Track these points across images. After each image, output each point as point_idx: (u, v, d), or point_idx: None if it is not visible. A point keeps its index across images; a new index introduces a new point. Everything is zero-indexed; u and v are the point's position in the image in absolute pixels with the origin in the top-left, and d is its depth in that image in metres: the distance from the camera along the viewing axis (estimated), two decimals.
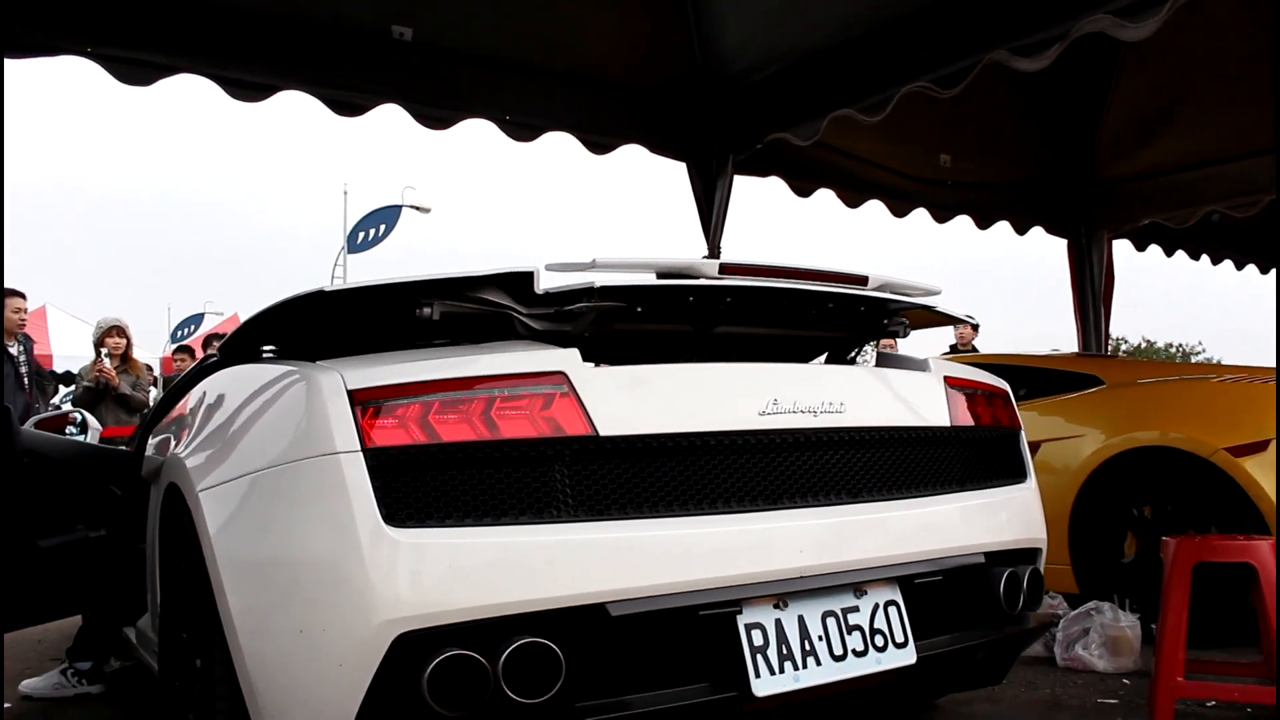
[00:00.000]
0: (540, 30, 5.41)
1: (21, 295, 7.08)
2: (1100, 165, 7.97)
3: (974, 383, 2.84)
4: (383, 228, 24.54)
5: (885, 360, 2.88)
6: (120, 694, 3.93)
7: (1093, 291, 8.37)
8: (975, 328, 10.04)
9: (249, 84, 4.77)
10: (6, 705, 3.84)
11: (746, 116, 5.81)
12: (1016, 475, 2.87)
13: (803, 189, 6.55)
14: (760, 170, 6.26)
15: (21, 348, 6.85)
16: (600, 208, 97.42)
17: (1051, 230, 8.28)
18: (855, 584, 2.31)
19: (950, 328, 10.20)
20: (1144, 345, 50.64)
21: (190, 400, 2.87)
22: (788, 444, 2.30)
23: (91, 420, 4.57)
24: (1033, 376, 5.67)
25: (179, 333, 32.61)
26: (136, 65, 4.52)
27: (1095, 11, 4.21)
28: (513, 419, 2.02)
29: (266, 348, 2.64)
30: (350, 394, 1.96)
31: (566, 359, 2.12)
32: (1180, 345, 50.70)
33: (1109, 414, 4.81)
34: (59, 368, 14.52)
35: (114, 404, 7.78)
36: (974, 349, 10.18)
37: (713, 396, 2.24)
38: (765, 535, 2.18)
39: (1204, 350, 50.24)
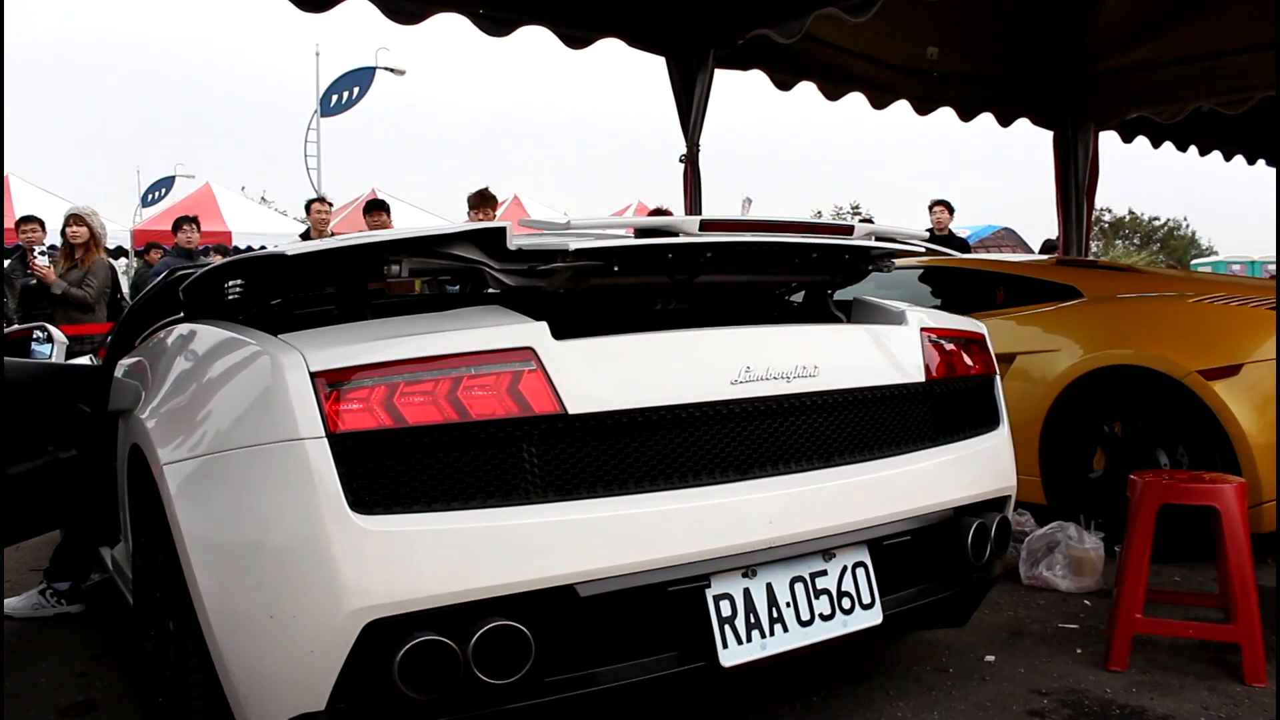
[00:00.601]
0: None
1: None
2: (1091, 58, 7.79)
3: (951, 331, 2.82)
4: (356, 90, 23.94)
5: (863, 311, 2.84)
6: (98, 614, 3.97)
7: (1076, 184, 8.29)
8: (951, 210, 10.02)
9: None
10: None
11: (728, 10, 5.60)
12: (990, 423, 2.88)
13: (784, 82, 6.40)
14: (741, 64, 6.08)
15: None
16: (576, 102, 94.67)
17: (1037, 122, 8.15)
18: (824, 550, 2.33)
19: (925, 211, 10.15)
20: (1128, 217, 50.65)
21: (154, 350, 2.81)
22: (759, 412, 2.28)
23: (57, 333, 4.48)
24: (1011, 283, 5.65)
25: (149, 196, 32.07)
26: None
27: None
28: (480, 399, 1.98)
29: (232, 284, 2.57)
30: (313, 375, 1.91)
31: (535, 333, 2.07)
32: (1169, 220, 50.75)
33: (1085, 329, 4.79)
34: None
35: (62, 303, 7.52)
36: (950, 233, 10.15)
37: (683, 367, 2.20)
38: (735, 508, 2.18)
39: (1188, 225, 50.35)
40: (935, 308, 5.72)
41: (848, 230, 2.44)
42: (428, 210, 18.86)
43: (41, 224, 7.96)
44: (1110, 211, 48.35)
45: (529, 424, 2.01)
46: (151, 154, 78.01)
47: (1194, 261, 35.88)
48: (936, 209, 10.05)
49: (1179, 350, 4.31)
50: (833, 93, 6.69)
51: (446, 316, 2.16)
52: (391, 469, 1.91)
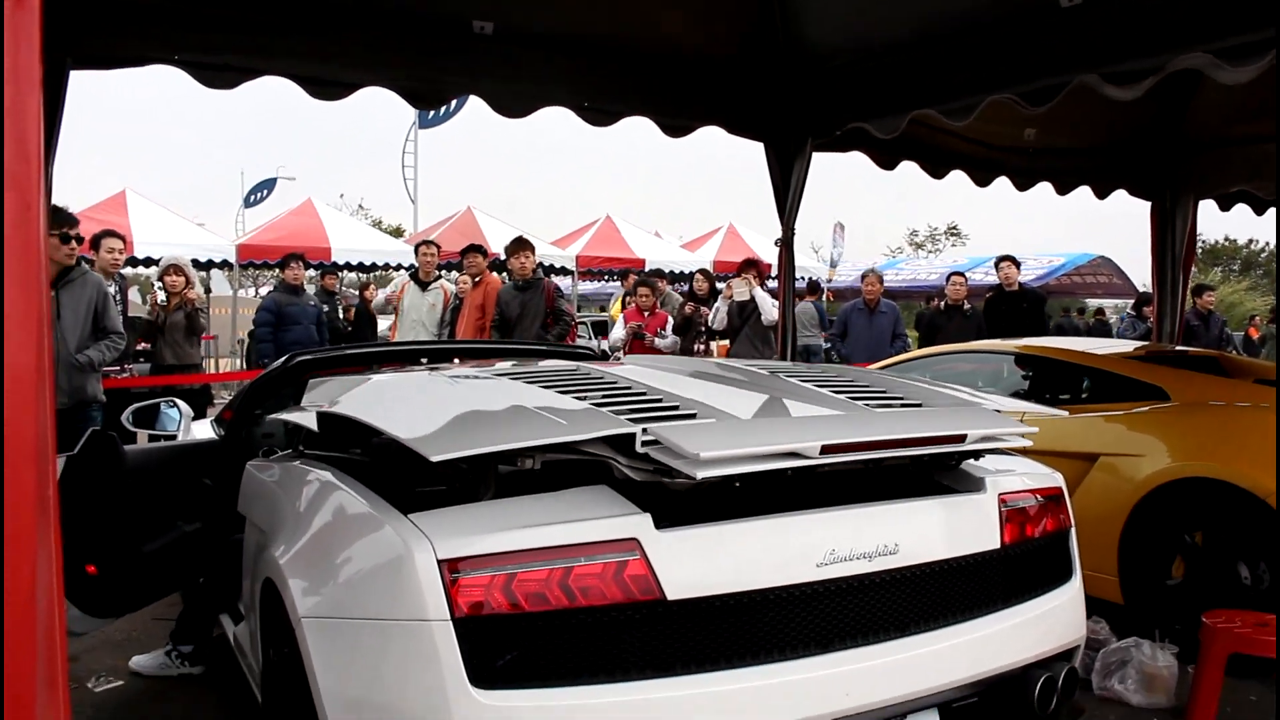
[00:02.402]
0: (619, 11, 5.37)
1: (119, 236, 7.39)
2: (1193, 132, 7.74)
3: (1029, 491, 2.94)
4: (454, 102, 24.43)
5: (946, 475, 2.98)
6: (218, 677, 4.27)
7: (1173, 256, 8.25)
8: (1018, 265, 10.09)
9: (329, 82, 4.87)
10: (118, 682, 4.23)
11: (828, 102, 5.77)
12: (1062, 577, 3.00)
13: (887, 162, 6.52)
14: (840, 147, 6.23)
15: (117, 287, 7.15)
16: (669, 176, 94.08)
17: (1135, 193, 8.12)
18: (896, 715, 2.50)
19: (994, 269, 10.17)
20: (1225, 243, 48.93)
21: (287, 482, 3.10)
22: (841, 591, 2.46)
23: (183, 406, 4.87)
24: (1099, 378, 5.70)
25: (251, 197, 33.12)
26: (220, 70, 4.67)
27: (1194, 49, 4.11)
28: (589, 586, 2.20)
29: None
30: (440, 563, 2.15)
31: (639, 525, 2.28)
32: (1266, 244, 48.96)
33: (1171, 437, 4.83)
34: (139, 254, 15.02)
35: (172, 338, 8.30)
36: (1020, 287, 10.20)
37: (773, 552, 2.39)
38: (816, 682, 2.36)
39: None
40: (1022, 394, 5.83)
41: (959, 439, 2.59)
42: (520, 228, 19.24)
43: (185, 275, 8.56)
44: (1205, 243, 46.80)
45: (632, 609, 2.22)
46: (255, 156, 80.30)
47: None
48: (1004, 265, 10.06)
49: (1263, 467, 4.35)
50: (936, 171, 6.80)
51: (559, 501, 2.38)
52: (508, 649, 2.15)
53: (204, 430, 5.02)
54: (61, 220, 5.89)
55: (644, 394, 2.76)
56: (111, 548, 3.78)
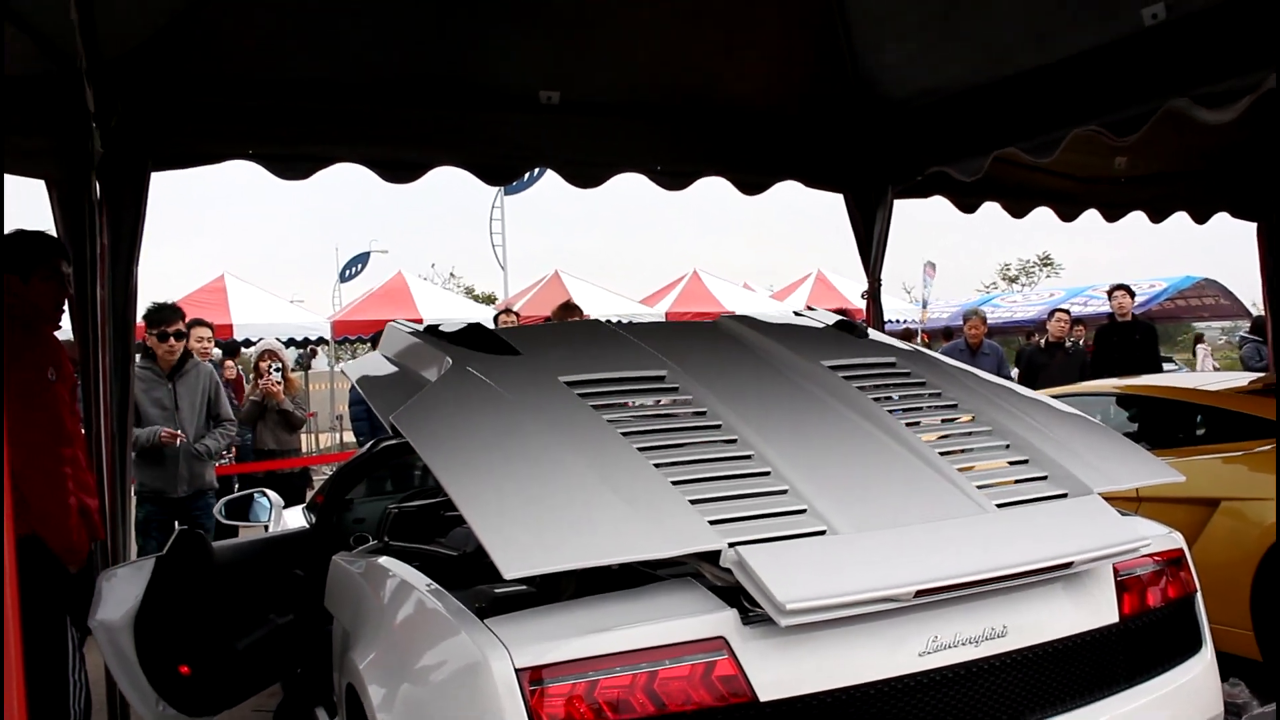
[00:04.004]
0: (688, 73, 5.32)
1: (207, 325, 7.59)
2: None
3: (1146, 557, 2.73)
4: (537, 170, 24.71)
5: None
6: None
7: None
8: (1132, 294, 9.82)
9: (402, 164, 4.92)
10: None
11: (906, 147, 5.61)
12: (1191, 647, 2.77)
13: (968, 205, 6.31)
14: (921, 193, 6.06)
15: (214, 374, 7.31)
16: (753, 226, 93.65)
17: (1238, 215, 7.73)
18: None
19: (1106, 298, 9.85)
20: None
21: (370, 580, 3.05)
22: (947, 680, 2.29)
23: (274, 496, 4.90)
24: (1214, 416, 5.40)
25: (347, 271, 33.95)
26: (294, 161, 4.76)
27: None
28: (676, 690, 2.08)
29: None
30: (518, 672, 2.05)
31: (726, 623, 2.15)
32: None
33: None
34: (239, 336, 15.46)
35: (275, 419, 8.41)
36: (1134, 318, 9.88)
37: (871, 644, 2.24)
38: None
39: None
40: (1130, 435, 5.54)
41: (1067, 566, 2.42)
42: (607, 289, 19.40)
43: (281, 360, 8.77)
44: None
45: (722, 714, 2.09)
46: (349, 231, 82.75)
47: None
48: (1117, 294, 9.77)
49: None
50: (1018, 210, 6.55)
51: (640, 598, 2.26)
52: None
53: (295, 517, 5.05)
54: (164, 316, 6.17)
55: (751, 468, 2.60)
56: (204, 647, 3.78)
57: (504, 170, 5.17)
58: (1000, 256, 59.84)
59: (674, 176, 5.50)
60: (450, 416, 2.76)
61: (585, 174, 5.33)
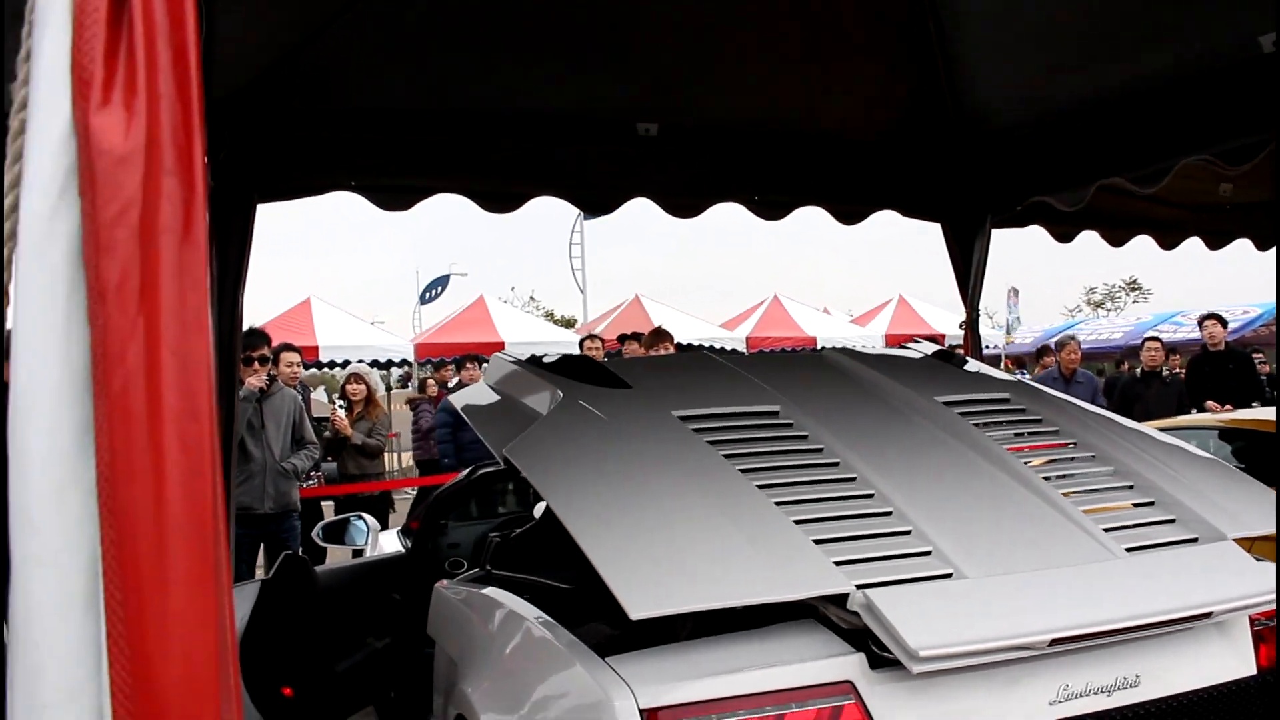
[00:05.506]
0: (786, 103, 5.30)
1: (295, 349, 7.79)
2: None
3: None
4: None
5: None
6: None
7: None
8: (1224, 324, 9.58)
9: (501, 195, 4.99)
10: None
11: (1006, 177, 5.53)
12: None
13: (1065, 235, 6.21)
14: (1019, 223, 5.96)
15: (299, 399, 7.48)
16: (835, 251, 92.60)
17: None
18: None
19: (1197, 326, 9.61)
20: None
21: (479, 609, 3.07)
22: None
23: (370, 520, 4.98)
24: None
25: (427, 294, 34.44)
26: (396, 192, 4.85)
27: None
28: None
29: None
30: (643, 712, 2.04)
31: (853, 667, 2.12)
32: None
33: None
34: (324, 358, 15.77)
35: (354, 450, 8.57)
36: (1228, 347, 9.63)
37: (1001, 692, 2.19)
38: None
39: None
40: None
41: (1206, 616, 2.34)
42: (687, 313, 19.43)
43: (366, 383, 8.98)
44: None
45: None
46: (429, 252, 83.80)
47: None
48: (1208, 323, 9.49)
49: None
50: (1117, 239, 6.42)
51: (764, 639, 2.24)
52: None
53: (390, 541, 5.12)
54: (251, 342, 6.39)
55: (872, 508, 2.56)
56: (306, 669, 3.84)
57: (602, 202, 5.21)
58: (1084, 280, 58.50)
59: (772, 206, 5.50)
60: (565, 451, 2.77)
61: (684, 204, 5.35)
